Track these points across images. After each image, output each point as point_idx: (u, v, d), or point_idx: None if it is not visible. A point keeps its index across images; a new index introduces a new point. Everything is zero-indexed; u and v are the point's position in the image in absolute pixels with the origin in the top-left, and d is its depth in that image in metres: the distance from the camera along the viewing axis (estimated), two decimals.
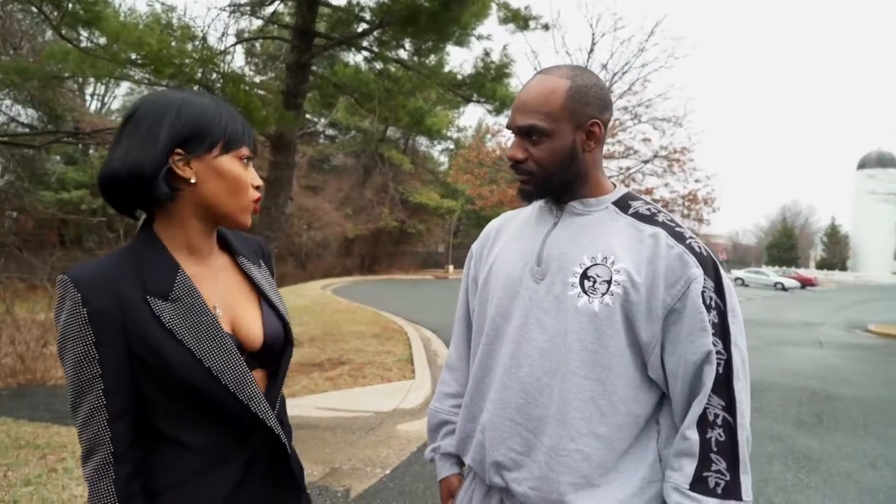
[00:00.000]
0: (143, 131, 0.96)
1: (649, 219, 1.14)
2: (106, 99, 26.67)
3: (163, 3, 5.83)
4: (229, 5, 8.29)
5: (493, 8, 7.17)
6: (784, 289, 35.09)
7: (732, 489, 1.01)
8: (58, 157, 21.14)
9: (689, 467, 1.03)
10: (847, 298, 27.10)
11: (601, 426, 1.08)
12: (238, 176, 1.02)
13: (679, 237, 1.10)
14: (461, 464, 1.38)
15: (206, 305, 0.99)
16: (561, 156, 1.13)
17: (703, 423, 1.04)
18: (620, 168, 21.09)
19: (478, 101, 9.93)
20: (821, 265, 61.16)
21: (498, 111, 10.67)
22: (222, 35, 9.25)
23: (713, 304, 1.05)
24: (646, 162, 20.27)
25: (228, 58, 8.36)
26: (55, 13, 4.43)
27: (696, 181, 19.94)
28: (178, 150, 0.97)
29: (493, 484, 1.18)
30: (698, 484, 1.02)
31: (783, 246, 63.82)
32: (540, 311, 1.13)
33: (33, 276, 8.50)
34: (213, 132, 0.99)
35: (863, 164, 56.20)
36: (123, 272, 0.95)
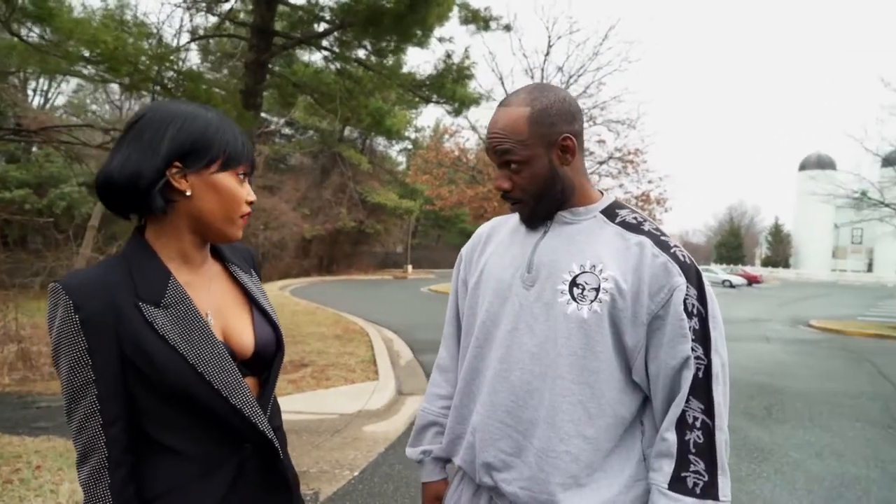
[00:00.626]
0: (145, 141, 0.98)
1: (635, 228, 1.19)
2: (50, 94, 25.62)
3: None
4: (185, 1, 8.12)
5: (455, 10, 7.22)
6: (732, 286, 36.31)
7: (710, 489, 1.06)
8: None
9: (667, 467, 1.08)
10: (790, 295, 28.26)
11: (589, 428, 1.12)
12: (233, 193, 1.04)
13: (664, 246, 1.15)
14: (445, 467, 1.42)
15: (199, 312, 1.00)
16: (542, 178, 1.17)
17: (682, 426, 1.08)
18: None
19: (438, 102, 9.99)
20: (765, 263, 63.59)
21: (457, 112, 10.75)
22: (177, 32, 9.06)
23: (695, 311, 1.10)
24: (601, 163, 20.72)
25: (184, 55, 8.19)
26: (3, 8, 4.26)
27: (649, 182, 20.53)
28: (177, 164, 0.98)
29: (483, 484, 1.22)
30: (676, 483, 1.07)
31: (730, 245, 66.22)
32: (529, 317, 1.16)
33: None
34: (212, 149, 1.01)
35: (804, 166, 58.66)
36: (115, 279, 0.96)
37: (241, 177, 1.05)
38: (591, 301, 1.11)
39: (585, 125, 16.64)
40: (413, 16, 5.52)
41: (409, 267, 35.64)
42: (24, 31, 4.89)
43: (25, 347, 7.65)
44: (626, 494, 1.12)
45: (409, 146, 36.76)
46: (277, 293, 19.12)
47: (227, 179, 1.03)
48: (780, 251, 63.50)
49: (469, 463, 1.24)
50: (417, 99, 10.38)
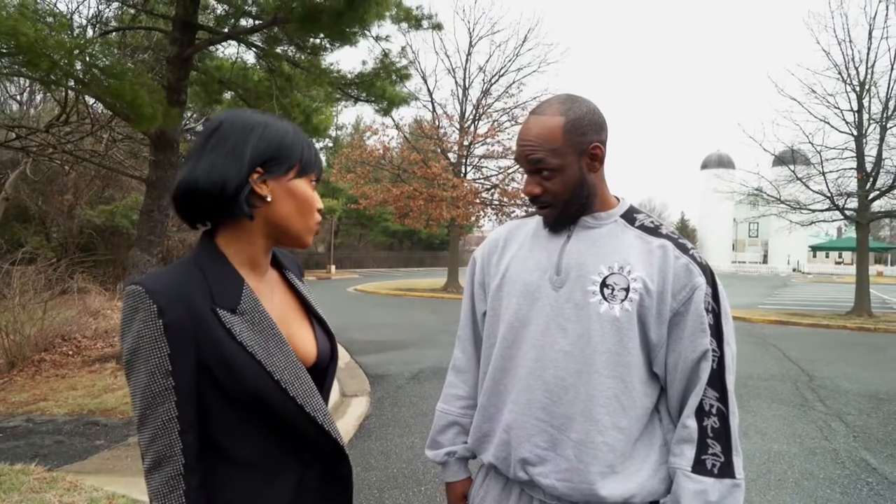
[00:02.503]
0: (229, 148, 0.99)
1: (654, 231, 1.28)
2: None
3: None
4: None
5: (392, 8, 7.19)
6: None
7: (727, 469, 1.16)
8: None
9: (689, 452, 1.18)
10: None
11: (623, 419, 1.20)
12: (309, 198, 1.07)
13: (683, 249, 1.24)
14: (467, 465, 1.45)
15: (272, 319, 1.01)
16: (572, 184, 1.24)
17: (700, 413, 1.18)
18: (500, 167, 21.94)
19: (367, 101, 9.90)
20: None
21: (386, 111, 10.70)
22: (88, 23, 8.50)
23: (710, 307, 1.20)
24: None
25: (97, 48, 7.69)
26: None
27: None
28: (258, 170, 1.01)
29: (518, 478, 1.26)
30: (698, 466, 1.17)
31: None
32: (561, 318, 1.22)
33: None
34: (292, 156, 1.04)
35: (706, 165, 62.34)
36: (192, 283, 0.96)
37: (313, 184, 1.09)
38: (622, 300, 1.19)
39: (508, 124, 17.03)
40: (352, 13, 5.45)
41: (333, 267, 35.09)
42: None
43: None
44: (654, 477, 1.21)
45: (330, 144, 36.18)
46: None
47: (302, 186, 1.06)
48: None
49: (503, 459, 1.28)
50: (342, 97, 10.24)
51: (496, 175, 21.90)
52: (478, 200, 21.31)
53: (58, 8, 5.55)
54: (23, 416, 5.20)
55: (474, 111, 22.20)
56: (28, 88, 16.69)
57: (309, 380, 1.02)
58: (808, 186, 15.97)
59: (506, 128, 21.35)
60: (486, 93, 22.21)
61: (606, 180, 1.32)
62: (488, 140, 21.51)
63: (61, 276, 9.08)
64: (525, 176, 1.29)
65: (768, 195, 17.54)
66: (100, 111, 8.59)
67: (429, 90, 22.75)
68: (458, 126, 22.28)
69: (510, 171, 21.22)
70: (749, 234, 61.48)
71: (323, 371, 1.12)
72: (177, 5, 7.57)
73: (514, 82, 22.01)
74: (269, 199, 1.01)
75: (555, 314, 1.23)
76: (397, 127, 21.59)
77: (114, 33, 9.66)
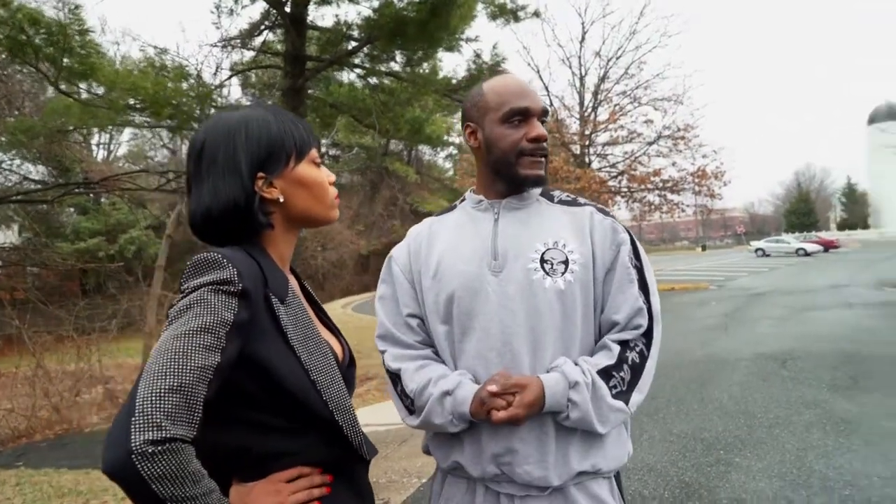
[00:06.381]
0: (221, 164, 0.95)
1: (574, 202, 1.33)
2: (111, 147, 27.13)
3: (155, 47, 5.96)
4: (219, 41, 8.43)
5: (478, 8, 7.19)
6: (807, 254, 34.51)
7: (625, 395, 1.19)
8: (71, 209, 21.50)
9: (605, 360, 1.20)
10: (872, 257, 26.60)
11: None
12: (318, 179, 1.02)
13: (605, 213, 1.31)
14: None
15: (311, 319, 0.98)
16: None
17: (625, 346, 1.22)
18: (625, 152, 20.99)
19: None
20: (842, 226, 60.24)
21: None
22: (216, 70, 9.41)
23: (633, 263, 1.26)
24: (650, 143, 20.14)
25: (225, 91, 8.50)
26: (52, 70, 4.54)
27: (704, 157, 19.76)
28: (260, 174, 0.96)
29: (485, 474, 1.21)
30: (604, 375, 1.17)
31: (801, 211, 62.86)
32: (506, 299, 1.21)
33: (59, 327, 8.63)
34: (285, 145, 0.98)
35: (873, 119, 55.33)
36: (253, 265, 0.92)
37: (316, 160, 1.03)
38: (563, 273, 1.21)
39: (630, 107, 16.58)
40: (436, 21, 5.52)
41: None
42: (73, 90, 5.19)
43: (111, 388, 8.09)
44: (620, 448, 1.25)
45: (455, 151, 36.90)
46: (340, 311, 19.48)
47: (306, 169, 1.00)
48: (856, 212, 60.08)
49: (473, 458, 1.23)
50: (455, 103, 10.39)
51: (622, 161, 20.99)
52: (604, 190, 20.55)
53: (186, 60, 6.18)
54: None
55: (593, 98, 21.50)
56: (172, 137, 18.86)
57: (344, 389, 0.97)
58: None
59: (628, 111, 20.43)
60: (603, 78, 21.41)
61: None
62: (610, 126, 20.68)
63: None
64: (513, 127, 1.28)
65: None
66: None
67: (544, 84, 22.37)
68: (577, 116, 21.69)
69: (636, 154, 20.27)
70: None
71: (350, 374, 1.07)
72: (286, 42, 8.17)
73: (633, 62, 20.99)
74: (281, 199, 0.97)
75: (500, 298, 1.21)
76: None
77: (243, 75, 10.61)
